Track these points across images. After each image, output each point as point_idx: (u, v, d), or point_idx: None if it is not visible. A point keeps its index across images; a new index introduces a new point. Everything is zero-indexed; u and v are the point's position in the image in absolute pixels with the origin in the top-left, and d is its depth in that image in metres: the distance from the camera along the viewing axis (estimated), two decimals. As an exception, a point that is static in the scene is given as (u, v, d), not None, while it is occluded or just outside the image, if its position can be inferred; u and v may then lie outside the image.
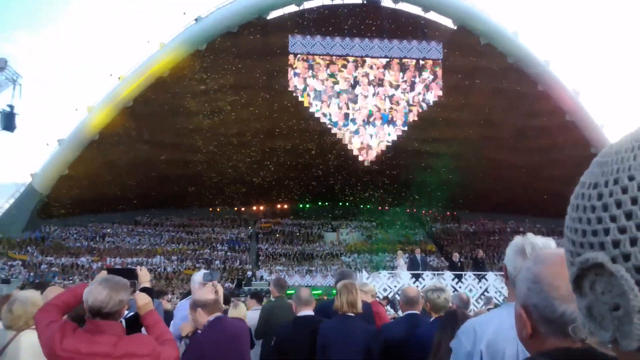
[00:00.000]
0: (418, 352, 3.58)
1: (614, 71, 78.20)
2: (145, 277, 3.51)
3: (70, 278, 23.72)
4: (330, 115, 22.89)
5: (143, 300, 2.63)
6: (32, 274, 24.16)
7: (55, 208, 28.42)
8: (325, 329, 3.97)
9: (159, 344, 2.40)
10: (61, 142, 25.99)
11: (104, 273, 2.77)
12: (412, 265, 13.68)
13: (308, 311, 4.13)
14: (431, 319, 3.84)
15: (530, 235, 1.91)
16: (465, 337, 1.90)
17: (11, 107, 25.25)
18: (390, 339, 4.05)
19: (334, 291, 4.70)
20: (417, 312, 4.25)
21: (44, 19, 79.18)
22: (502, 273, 1.87)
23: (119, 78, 25.06)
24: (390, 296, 11.64)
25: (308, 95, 22.62)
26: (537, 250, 1.79)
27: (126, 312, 3.39)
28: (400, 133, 23.31)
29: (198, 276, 4.33)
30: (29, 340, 2.77)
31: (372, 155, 22.95)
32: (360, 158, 23.29)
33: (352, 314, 3.96)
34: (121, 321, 2.65)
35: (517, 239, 1.90)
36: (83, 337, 2.24)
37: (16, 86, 26.19)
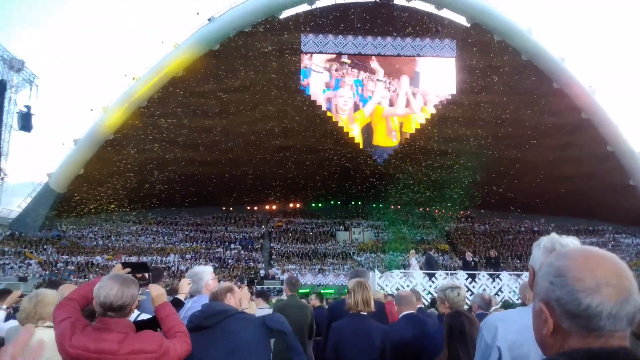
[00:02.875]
0: (431, 351, 3.56)
1: (631, 68, 76.86)
2: (183, 288, 3.53)
3: (86, 276, 24.03)
4: (343, 111, 22.84)
5: (157, 291, 2.64)
6: (48, 272, 24.52)
7: (71, 207, 28.80)
8: (338, 327, 3.95)
9: (171, 336, 2.43)
10: (77, 142, 26.32)
11: (119, 266, 2.81)
12: (432, 263, 13.58)
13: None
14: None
15: (554, 234, 1.88)
16: (486, 331, 1.90)
17: (28, 107, 25.65)
18: (400, 338, 4.04)
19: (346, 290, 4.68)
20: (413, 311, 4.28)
21: (60, 19, 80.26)
22: (516, 273, 1.84)
23: (134, 78, 25.31)
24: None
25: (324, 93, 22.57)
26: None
27: (138, 312, 3.40)
28: (414, 131, 23.18)
29: (207, 272, 4.25)
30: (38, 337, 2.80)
31: (384, 151, 22.86)
32: (374, 157, 23.22)
33: (365, 313, 3.95)
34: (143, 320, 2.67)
35: (544, 239, 1.87)
36: (91, 335, 2.28)
37: (33, 87, 26.63)
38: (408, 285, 12.07)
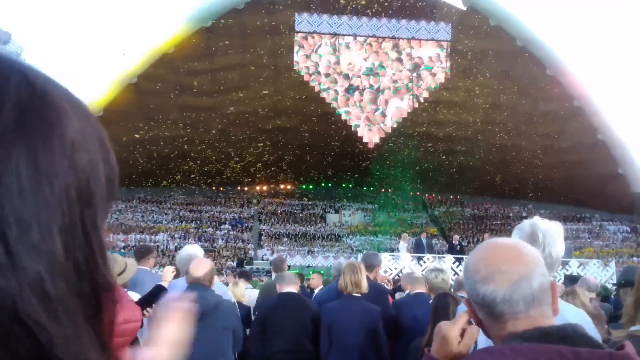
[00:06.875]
0: (417, 333, 3.58)
1: (626, 57, 76.97)
2: (167, 275, 3.60)
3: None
4: (336, 95, 22.68)
5: None
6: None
7: (60, 183, 28.50)
8: (330, 309, 4.00)
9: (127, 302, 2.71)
10: (65, 117, 25.92)
11: None
12: (417, 248, 13.72)
13: (291, 289, 4.25)
14: (430, 301, 3.84)
15: (537, 218, 1.84)
16: None
17: (15, 81, 25.19)
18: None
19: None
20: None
21: (49, -8, 78.43)
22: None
23: (123, 54, 24.86)
24: (391, 278, 11.68)
25: (316, 74, 22.34)
26: (549, 237, 1.73)
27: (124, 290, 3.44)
28: (405, 115, 23.09)
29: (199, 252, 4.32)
30: None
31: (376, 136, 22.79)
32: (365, 140, 23.14)
33: (357, 294, 3.97)
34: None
35: (524, 224, 1.83)
36: None
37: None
38: (396, 268, 12.16)
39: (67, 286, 0.41)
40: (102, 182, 0.51)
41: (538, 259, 1.09)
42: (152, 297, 3.48)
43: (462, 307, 1.91)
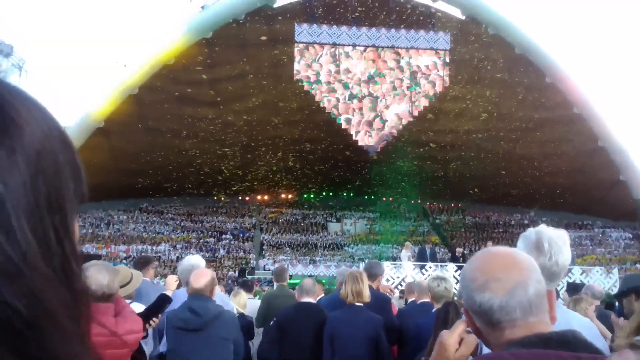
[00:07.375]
0: (421, 343, 3.56)
1: (625, 64, 77.23)
2: (171, 285, 3.61)
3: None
4: (336, 103, 22.73)
5: None
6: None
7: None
8: (333, 319, 3.98)
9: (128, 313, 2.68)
10: (67, 129, 25.86)
11: None
12: (421, 257, 13.65)
13: (309, 299, 4.22)
14: (433, 309, 3.82)
15: (543, 227, 1.83)
16: None
17: (17, 93, 25.24)
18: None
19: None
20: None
21: (50, 2, 79.03)
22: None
23: (124, 65, 24.98)
24: (393, 287, 11.62)
25: (316, 83, 22.41)
26: (554, 245, 1.72)
27: (129, 301, 3.42)
28: (404, 123, 23.14)
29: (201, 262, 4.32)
30: None
31: (375, 143, 22.80)
32: (365, 148, 23.18)
33: (360, 304, 3.95)
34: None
35: (530, 232, 1.82)
36: None
37: (22, 72, 26.24)
38: (398, 277, 12.11)
39: (51, 293, 0.42)
40: (70, 184, 0.51)
41: (533, 266, 1.09)
42: (158, 307, 3.47)
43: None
